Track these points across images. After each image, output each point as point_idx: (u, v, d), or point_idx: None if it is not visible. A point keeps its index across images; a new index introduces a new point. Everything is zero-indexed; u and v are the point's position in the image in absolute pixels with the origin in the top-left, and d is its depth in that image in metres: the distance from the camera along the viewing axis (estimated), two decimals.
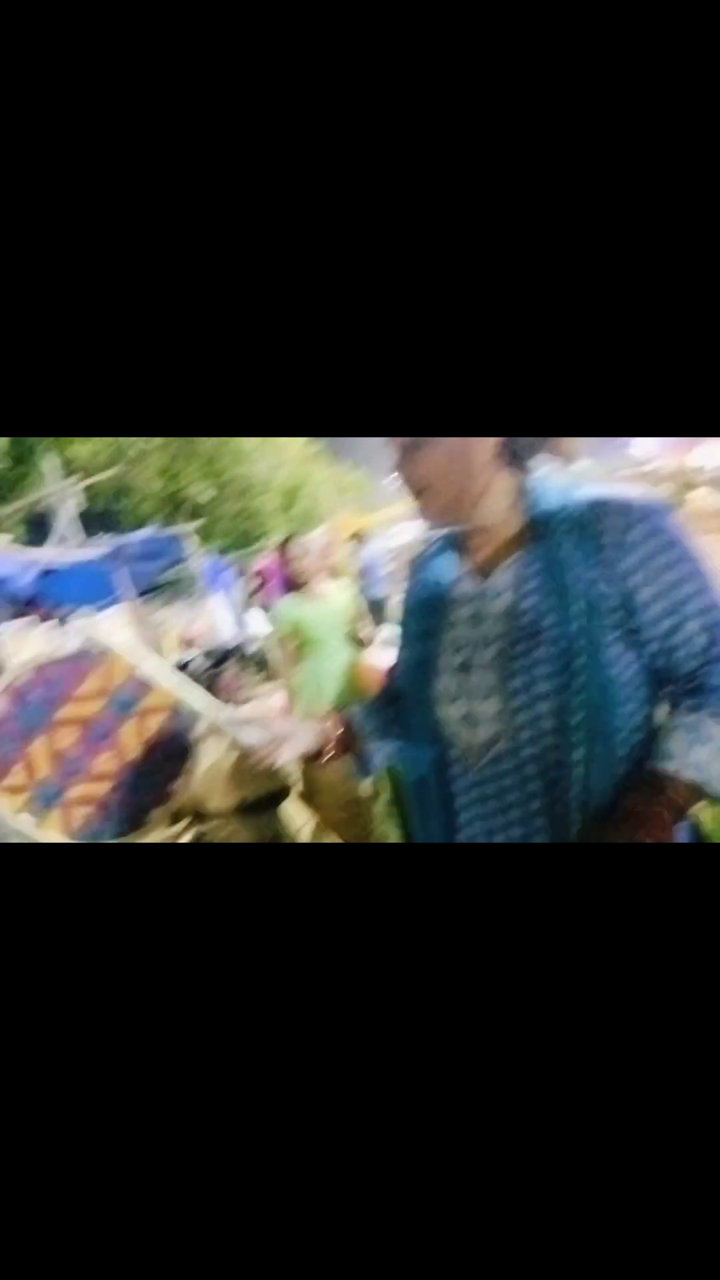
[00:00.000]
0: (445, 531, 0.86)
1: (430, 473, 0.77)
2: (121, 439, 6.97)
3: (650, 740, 0.73)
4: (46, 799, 0.82)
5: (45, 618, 3.92)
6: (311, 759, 0.90)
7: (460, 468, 0.76)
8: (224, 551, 8.57)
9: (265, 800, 2.17)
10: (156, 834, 2.05)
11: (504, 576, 0.78)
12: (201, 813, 2.21)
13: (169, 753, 0.87)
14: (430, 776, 0.84)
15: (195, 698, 0.86)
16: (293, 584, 2.67)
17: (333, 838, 2.29)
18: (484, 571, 0.80)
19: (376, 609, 6.69)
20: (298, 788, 2.33)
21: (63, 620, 4.08)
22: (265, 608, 7.88)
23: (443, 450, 0.75)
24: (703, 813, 0.79)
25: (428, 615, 0.84)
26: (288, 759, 0.86)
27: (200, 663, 6.73)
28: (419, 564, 0.89)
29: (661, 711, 0.76)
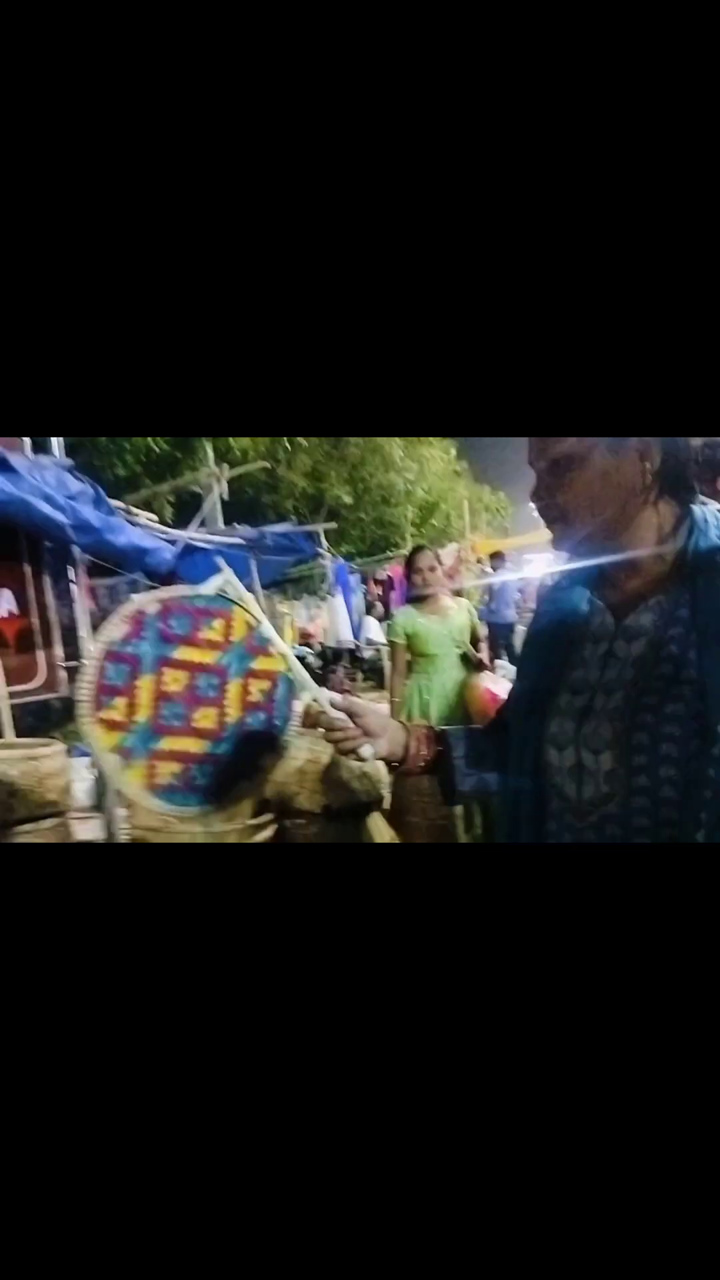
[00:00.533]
0: (584, 560, 0.78)
1: (572, 499, 0.69)
2: (277, 439, 7.28)
3: None
4: (138, 744, 0.81)
5: None
6: (397, 766, 0.85)
7: (605, 495, 0.67)
8: (353, 556, 8.72)
9: (352, 809, 2.15)
10: (238, 820, 2.09)
11: (644, 618, 0.69)
12: (288, 808, 2.23)
13: (268, 723, 0.84)
14: (524, 821, 0.76)
15: (302, 673, 0.84)
16: (415, 595, 2.64)
17: None
18: (621, 610, 0.71)
19: (502, 634, 6.54)
20: (386, 802, 2.29)
21: None
22: (383, 617, 7.99)
23: (588, 475, 0.67)
24: None
25: (552, 648, 0.76)
26: (369, 756, 0.81)
27: (312, 660, 6.89)
28: (551, 591, 0.82)
29: None
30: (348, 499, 9.37)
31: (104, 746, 0.79)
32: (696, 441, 0.69)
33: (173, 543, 3.61)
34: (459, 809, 2.34)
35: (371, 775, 2.12)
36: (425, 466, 10.37)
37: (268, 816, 2.15)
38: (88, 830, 2.91)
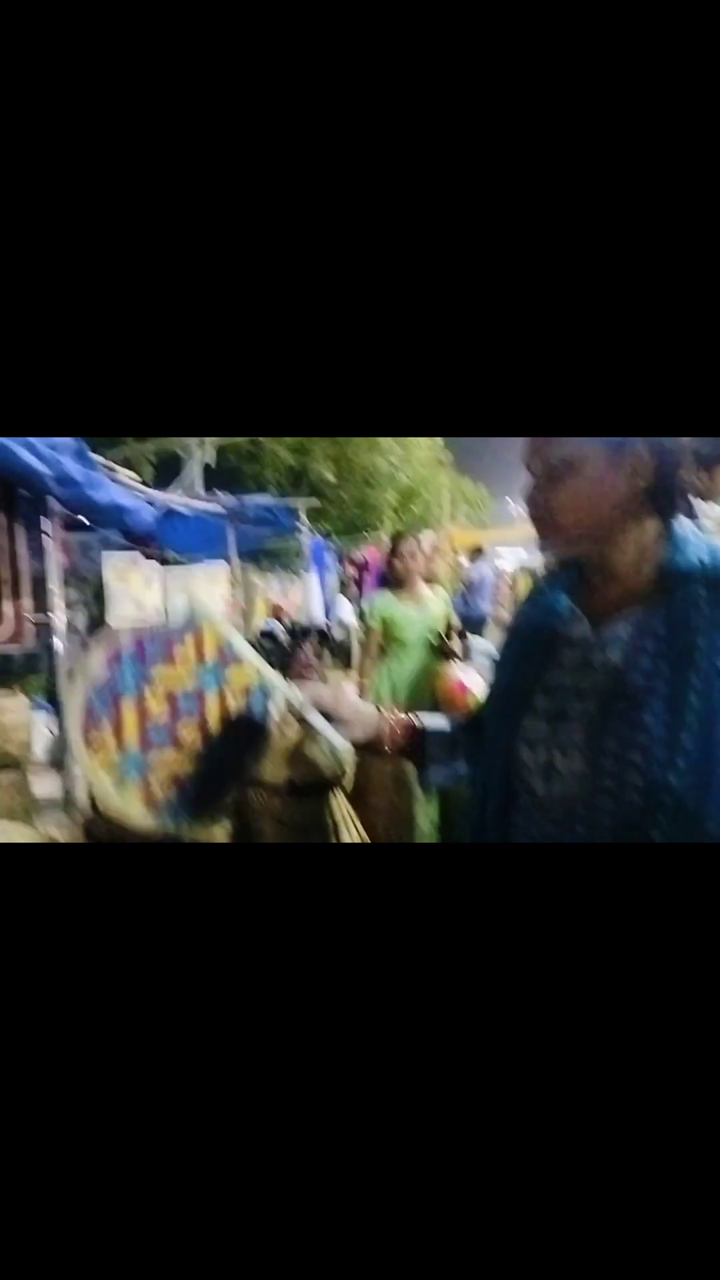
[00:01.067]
0: (566, 564, 0.81)
1: (560, 503, 0.71)
2: None
3: None
4: (132, 768, 0.84)
5: (150, 556, 4.09)
6: (369, 750, 0.87)
7: (593, 503, 0.70)
8: (330, 535, 8.69)
9: (315, 786, 2.18)
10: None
11: (619, 627, 0.72)
12: (252, 780, 2.24)
13: (248, 728, 0.87)
14: (490, 814, 0.79)
15: (274, 677, 0.87)
16: (393, 581, 2.66)
17: (369, 838, 2.27)
18: (599, 618, 0.74)
19: (475, 626, 6.62)
20: (349, 781, 2.32)
21: (165, 562, 4.26)
22: (355, 599, 7.99)
23: (579, 482, 0.70)
24: None
25: (529, 649, 0.79)
26: (344, 742, 0.84)
27: (281, 635, 6.87)
28: (532, 593, 0.84)
29: None
30: (330, 477, 9.30)
31: (103, 777, 0.82)
32: (687, 441, 0.71)
33: (152, 504, 3.56)
34: (420, 796, 2.39)
35: (338, 754, 2.15)
36: (410, 452, 10.34)
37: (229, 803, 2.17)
38: (44, 786, 2.89)
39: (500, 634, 0.90)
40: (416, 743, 0.88)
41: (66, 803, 2.89)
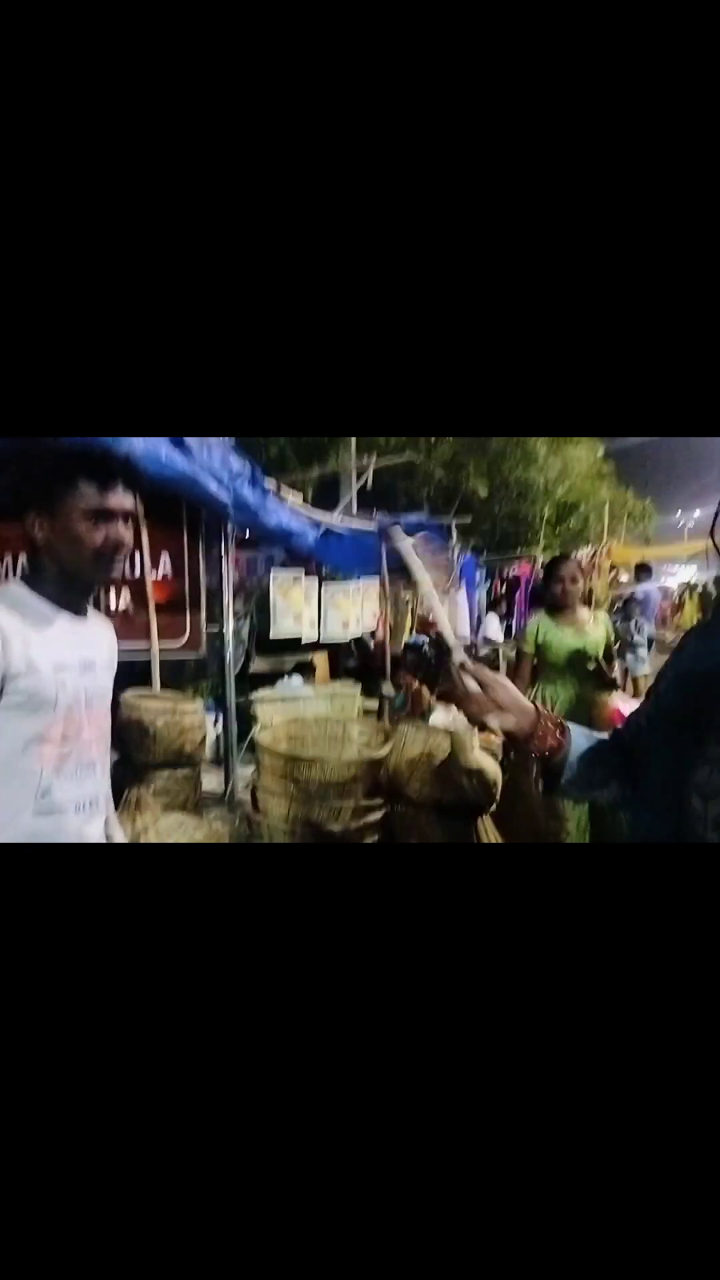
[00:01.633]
0: None
1: None
2: None
3: None
4: None
5: (310, 573, 4.34)
6: (521, 744, 0.87)
7: None
8: (481, 550, 8.62)
9: (461, 807, 2.19)
10: (350, 802, 2.19)
11: None
12: (399, 795, 2.31)
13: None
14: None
15: (451, 634, 0.93)
16: (551, 604, 2.60)
17: None
18: None
19: (636, 649, 6.25)
20: (494, 805, 2.31)
21: (322, 579, 4.49)
22: (505, 616, 7.83)
23: None
24: None
25: (701, 691, 0.76)
26: (495, 725, 0.84)
27: (428, 649, 6.93)
28: (704, 629, 0.81)
29: None
30: (483, 492, 9.25)
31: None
32: None
33: (316, 524, 3.78)
34: (569, 823, 2.32)
35: (484, 776, 2.15)
36: (570, 466, 9.99)
37: (378, 800, 2.25)
38: (211, 780, 3.16)
39: (661, 657, 0.87)
40: (564, 746, 0.87)
41: (228, 798, 3.15)
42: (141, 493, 2.67)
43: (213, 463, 2.70)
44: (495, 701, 0.85)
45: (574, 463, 10.15)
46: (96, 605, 1.16)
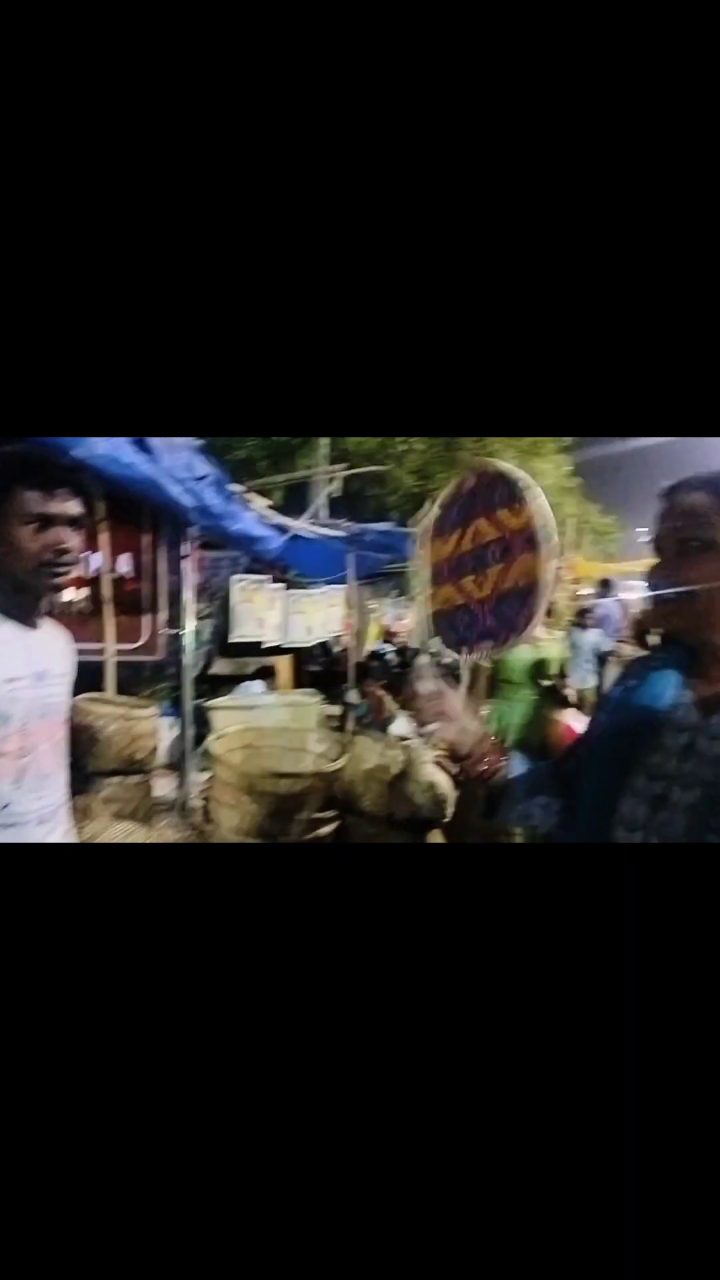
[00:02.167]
0: (677, 643, 0.80)
1: (699, 578, 0.71)
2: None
3: None
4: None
5: (276, 579, 4.31)
6: (460, 760, 0.90)
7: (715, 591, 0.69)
8: None
9: (413, 821, 2.20)
10: (303, 814, 2.19)
11: None
12: (352, 807, 2.31)
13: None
14: None
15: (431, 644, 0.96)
16: None
17: None
18: (707, 706, 0.73)
19: (601, 663, 6.37)
20: (445, 820, 2.32)
21: (288, 584, 4.47)
22: None
23: (706, 566, 0.69)
24: None
25: (635, 726, 0.78)
26: (441, 735, 0.87)
27: (392, 658, 6.95)
28: (641, 667, 0.83)
29: None
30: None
31: None
32: None
33: (282, 530, 3.76)
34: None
35: (436, 790, 2.16)
36: (536, 479, 10.15)
37: (332, 812, 2.24)
38: (163, 786, 3.11)
39: (613, 679, 0.90)
40: (501, 770, 0.89)
41: (181, 806, 3.10)
42: (100, 495, 2.63)
43: (176, 466, 2.67)
44: (444, 709, 0.86)
45: (540, 475, 10.32)
46: (51, 611, 1.13)
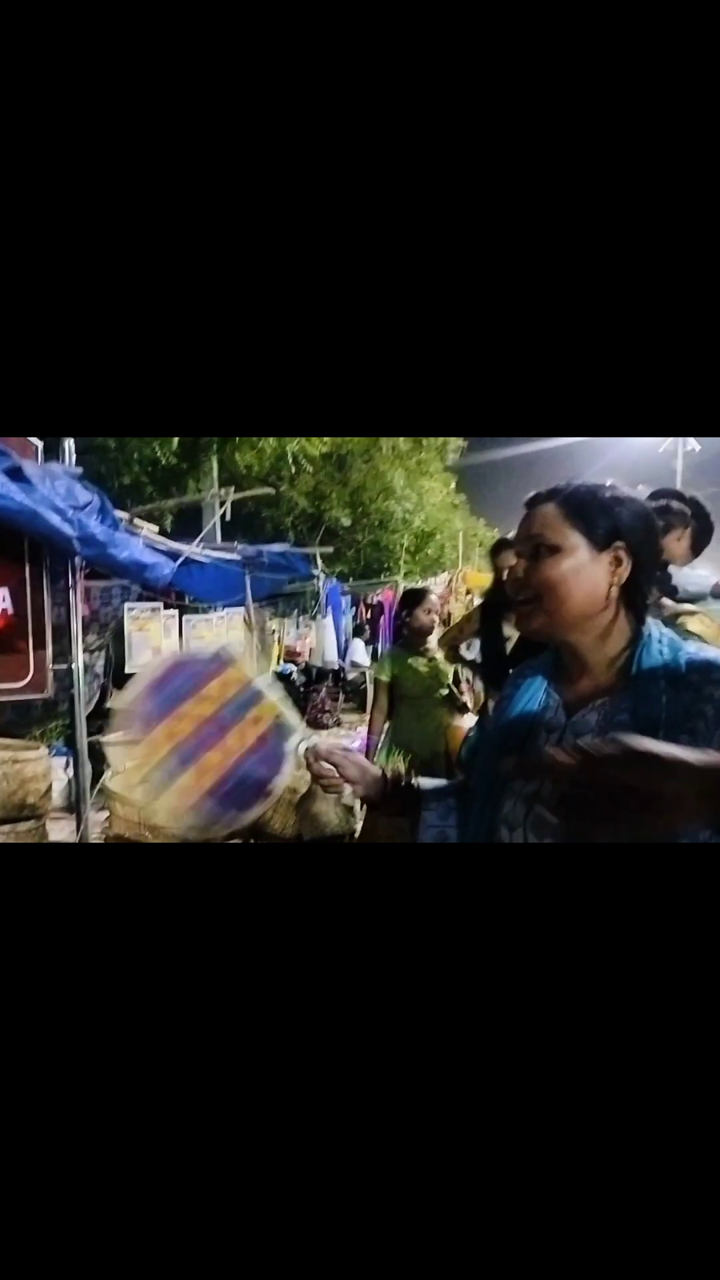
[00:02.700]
0: (545, 649, 0.86)
1: (545, 586, 0.76)
2: (282, 458, 7.38)
3: None
4: (164, 775, 0.93)
5: (170, 605, 4.21)
6: (372, 807, 0.92)
7: (576, 591, 0.75)
8: (346, 578, 8.82)
9: (325, 839, 2.21)
10: (213, 837, 2.14)
11: (590, 716, 0.77)
12: (261, 832, 2.28)
13: (266, 758, 0.96)
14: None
15: (293, 717, 0.95)
16: (405, 637, 2.71)
17: None
18: (572, 706, 0.79)
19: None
20: (357, 834, 2.35)
21: (184, 610, 4.38)
22: (370, 641, 8.05)
23: (564, 567, 0.75)
24: None
25: (514, 731, 0.84)
26: (348, 798, 0.89)
27: (298, 677, 6.94)
28: (515, 675, 0.89)
29: None
30: (346, 521, 9.50)
31: (132, 784, 0.89)
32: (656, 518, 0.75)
33: (174, 556, 3.69)
34: None
35: (345, 810, 2.19)
36: (424, 498, 10.53)
37: (239, 841, 2.21)
38: (61, 831, 2.94)
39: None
40: (413, 803, 0.93)
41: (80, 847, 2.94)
42: None
43: (56, 495, 2.56)
44: (346, 778, 0.89)
45: (428, 494, 10.72)
46: None
